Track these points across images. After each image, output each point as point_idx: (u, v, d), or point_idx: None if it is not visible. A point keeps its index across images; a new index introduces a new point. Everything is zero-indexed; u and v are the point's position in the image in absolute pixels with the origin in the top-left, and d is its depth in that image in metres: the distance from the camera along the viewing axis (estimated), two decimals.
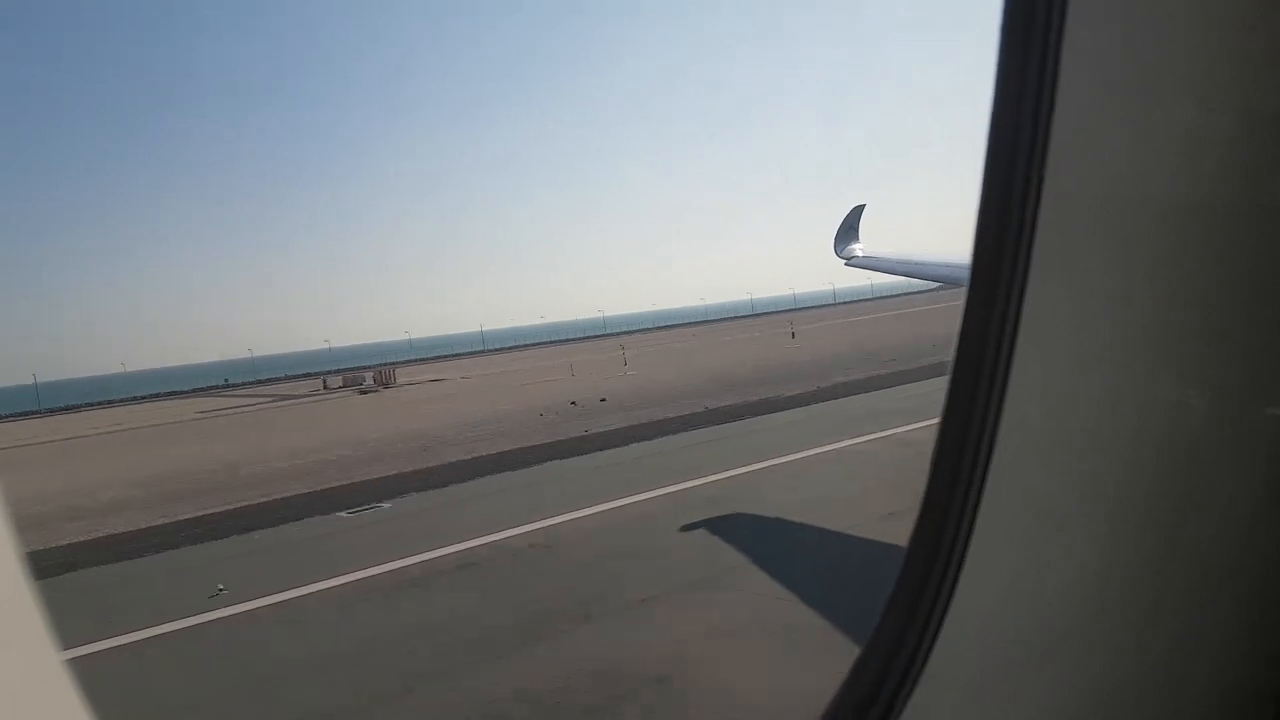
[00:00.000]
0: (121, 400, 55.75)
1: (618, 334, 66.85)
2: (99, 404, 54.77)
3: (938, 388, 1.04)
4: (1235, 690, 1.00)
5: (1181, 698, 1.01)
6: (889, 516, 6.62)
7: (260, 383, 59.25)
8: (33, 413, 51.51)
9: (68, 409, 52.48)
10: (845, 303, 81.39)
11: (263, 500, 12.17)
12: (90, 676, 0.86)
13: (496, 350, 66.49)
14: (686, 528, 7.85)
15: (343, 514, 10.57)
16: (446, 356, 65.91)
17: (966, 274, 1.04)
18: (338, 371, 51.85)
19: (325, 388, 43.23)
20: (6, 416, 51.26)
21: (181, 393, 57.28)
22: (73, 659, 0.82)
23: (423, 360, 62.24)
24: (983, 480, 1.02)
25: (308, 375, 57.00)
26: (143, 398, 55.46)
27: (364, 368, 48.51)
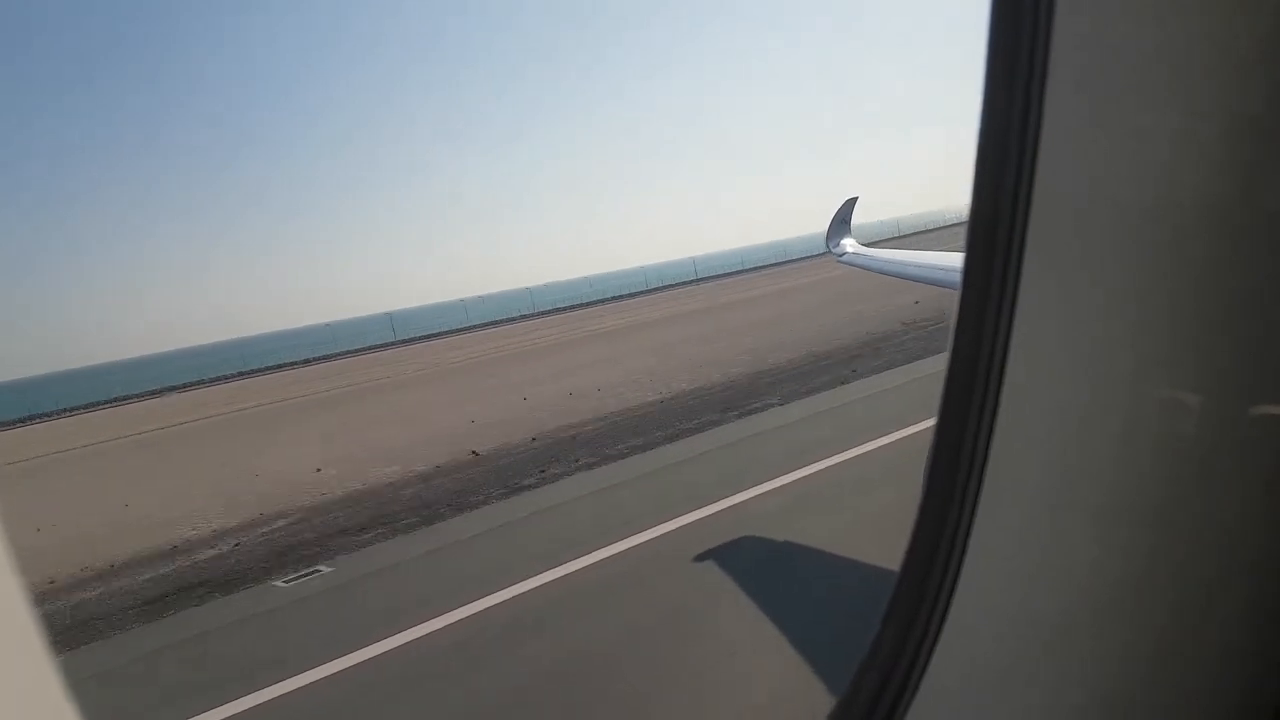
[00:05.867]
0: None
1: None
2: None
3: None
4: (1237, 694, 1.00)
5: (1182, 701, 1.01)
6: None
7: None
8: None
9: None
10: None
11: None
12: None
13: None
14: None
15: None
16: None
17: (958, 277, 1.04)
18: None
19: None
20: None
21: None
22: None
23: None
24: (979, 485, 1.02)
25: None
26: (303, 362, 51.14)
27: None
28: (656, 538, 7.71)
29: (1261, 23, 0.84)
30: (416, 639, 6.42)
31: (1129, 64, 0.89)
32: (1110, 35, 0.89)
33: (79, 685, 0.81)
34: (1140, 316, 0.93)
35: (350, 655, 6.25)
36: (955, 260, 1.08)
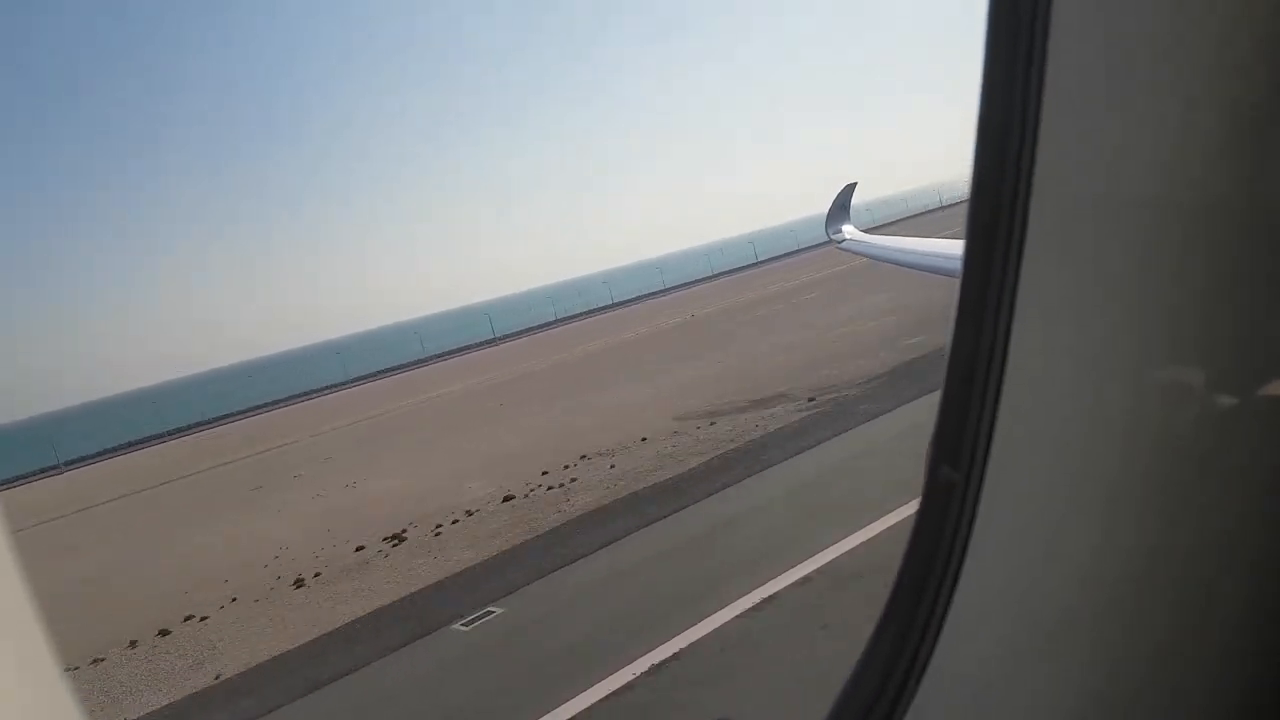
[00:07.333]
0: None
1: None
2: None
3: None
4: (1237, 694, 0.99)
5: (1182, 701, 1.00)
6: None
7: None
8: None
9: None
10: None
11: None
12: None
13: None
14: None
15: None
16: None
17: (957, 265, 1.03)
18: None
19: None
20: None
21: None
22: None
23: None
24: (980, 480, 1.01)
25: None
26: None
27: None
28: None
29: (1262, 15, 0.82)
30: None
31: (1129, 55, 0.87)
32: (1110, 25, 0.87)
33: None
34: (1142, 310, 0.92)
35: None
36: (955, 248, 1.07)
